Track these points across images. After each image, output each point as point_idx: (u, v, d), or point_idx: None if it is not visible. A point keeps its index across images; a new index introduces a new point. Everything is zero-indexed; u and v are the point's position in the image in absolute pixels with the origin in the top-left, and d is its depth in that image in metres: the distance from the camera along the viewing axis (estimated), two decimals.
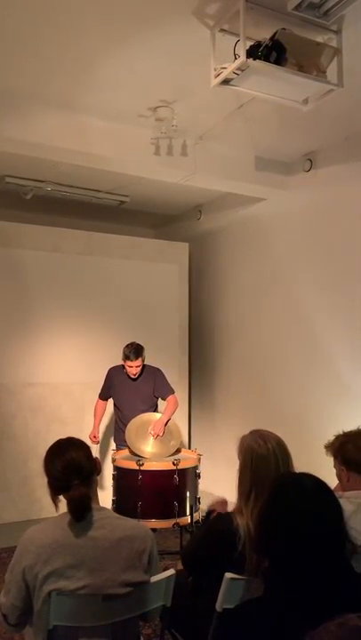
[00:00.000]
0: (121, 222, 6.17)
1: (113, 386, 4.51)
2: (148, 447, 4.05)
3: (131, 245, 5.58)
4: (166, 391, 4.44)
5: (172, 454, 4.04)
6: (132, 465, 3.75)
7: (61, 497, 1.77)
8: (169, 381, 4.51)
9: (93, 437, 4.45)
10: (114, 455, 4.08)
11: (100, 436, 4.63)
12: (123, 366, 4.39)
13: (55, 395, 5.11)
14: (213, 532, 2.05)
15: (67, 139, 3.71)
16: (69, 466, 1.76)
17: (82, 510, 1.72)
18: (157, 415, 4.29)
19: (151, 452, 4.01)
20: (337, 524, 1.26)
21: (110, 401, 4.60)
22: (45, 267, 5.10)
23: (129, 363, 4.30)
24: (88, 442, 1.97)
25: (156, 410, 4.53)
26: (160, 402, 4.57)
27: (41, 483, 1.88)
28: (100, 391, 4.60)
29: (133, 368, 4.31)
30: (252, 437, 2.04)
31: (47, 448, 1.87)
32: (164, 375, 4.49)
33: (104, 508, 1.84)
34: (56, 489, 1.78)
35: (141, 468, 3.70)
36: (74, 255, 5.24)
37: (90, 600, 1.67)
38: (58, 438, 1.90)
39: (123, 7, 2.57)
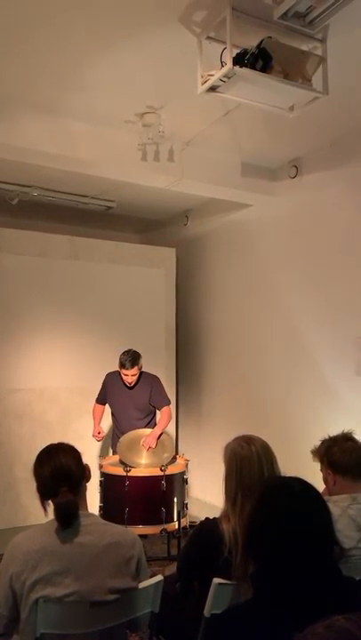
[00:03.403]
0: (108, 227, 6.16)
1: (108, 392, 4.42)
2: (142, 459, 3.96)
3: (117, 250, 5.57)
4: (162, 401, 4.35)
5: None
6: (119, 471, 3.73)
7: (50, 502, 1.76)
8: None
9: (98, 434, 4.37)
10: (101, 461, 4.04)
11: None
12: (119, 372, 4.29)
13: (41, 400, 5.06)
14: (197, 535, 2.07)
15: (52, 143, 3.70)
16: (58, 472, 1.75)
17: (68, 517, 1.70)
18: (150, 430, 4.18)
19: (144, 464, 3.93)
20: (325, 526, 1.27)
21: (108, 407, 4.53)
22: (31, 272, 5.07)
23: (125, 371, 4.20)
24: (81, 446, 1.95)
25: (153, 419, 4.44)
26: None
27: (25, 489, 1.88)
28: (97, 395, 4.52)
29: (129, 377, 4.21)
30: (236, 442, 2.06)
31: (33, 454, 1.86)
32: (161, 384, 4.40)
33: (92, 515, 1.83)
34: (44, 494, 1.77)
35: (128, 474, 3.69)
36: (60, 260, 5.22)
37: (77, 607, 1.66)
38: (43, 444, 1.88)
39: (110, 13, 2.58)
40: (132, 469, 3.72)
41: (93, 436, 4.39)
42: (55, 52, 2.91)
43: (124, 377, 4.24)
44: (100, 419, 4.52)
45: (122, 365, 4.20)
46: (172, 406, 5.71)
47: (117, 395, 4.36)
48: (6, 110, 3.50)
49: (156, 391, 4.35)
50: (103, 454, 4.57)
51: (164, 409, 4.32)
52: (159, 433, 4.11)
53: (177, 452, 5.44)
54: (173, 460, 4.06)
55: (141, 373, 4.30)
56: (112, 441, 4.52)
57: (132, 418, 4.29)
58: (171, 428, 5.67)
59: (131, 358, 4.17)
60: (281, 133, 3.92)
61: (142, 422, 4.33)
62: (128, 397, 4.31)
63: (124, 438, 4.09)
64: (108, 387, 4.43)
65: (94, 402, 4.55)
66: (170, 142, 4.03)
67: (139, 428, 4.24)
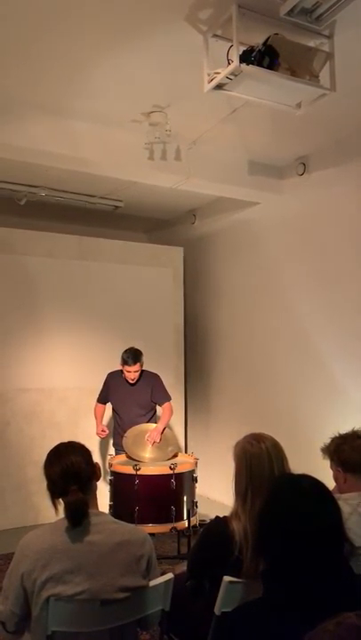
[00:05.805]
0: (116, 227, 6.17)
1: (111, 390, 4.52)
2: (147, 453, 4.07)
3: (125, 250, 5.59)
4: (163, 398, 4.46)
5: (170, 459, 4.05)
6: (129, 470, 3.73)
7: (61, 500, 1.77)
8: (165, 386, 4.51)
9: (102, 432, 4.48)
10: (110, 460, 4.07)
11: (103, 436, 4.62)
12: (121, 371, 4.41)
13: (50, 400, 5.09)
14: (207, 534, 2.07)
15: (59, 144, 3.71)
16: (68, 470, 1.76)
17: (78, 516, 1.71)
18: (153, 425, 4.30)
19: (149, 458, 4.03)
20: (335, 524, 1.27)
21: (109, 405, 4.61)
22: (39, 272, 5.09)
23: (127, 368, 4.32)
24: (91, 445, 1.96)
25: (154, 415, 4.54)
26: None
27: (37, 489, 1.89)
28: (98, 395, 4.61)
29: (132, 373, 4.33)
30: (246, 440, 2.06)
31: (44, 453, 1.87)
32: (162, 381, 4.51)
33: (102, 513, 1.84)
34: (54, 493, 1.78)
35: (138, 472, 3.69)
36: (68, 260, 5.24)
37: (88, 605, 1.67)
38: (53, 444, 1.89)
39: (116, 13, 2.58)
40: (142, 468, 3.73)
41: (97, 434, 4.50)
42: (61, 53, 2.91)
43: (126, 374, 4.35)
44: (102, 418, 4.62)
45: (124, 362, 4.32)
46: (181, 405, 5.75)
47: (120, 392, 4.46)
48: (14, 112, 3.51)
49: (158, 388, 4.47)
50: (104, 452, 4.64)
51: (166, 405, 4.44)
52: (163, 428, 4.22)
53: (186, 451, 5.47)
54: (175, 455, 4.14)
55: (142, 372, 4.41)
56: (114, 439, 4.61)
57: (135, 414, 4.39)
58: (179, 427, 5.68)
59: (133, 355, 4.30)
60: (288, 131, 3.91)
61: (144, 418, 4.43)
62: (130, 395, 4.42)
63: (130, 433, 4.18)
64: (110, 385, 4.53)
65: (95, 402, 4.62)
66: (176, 141, 4.03)
67: (141, 424, 4.34)
